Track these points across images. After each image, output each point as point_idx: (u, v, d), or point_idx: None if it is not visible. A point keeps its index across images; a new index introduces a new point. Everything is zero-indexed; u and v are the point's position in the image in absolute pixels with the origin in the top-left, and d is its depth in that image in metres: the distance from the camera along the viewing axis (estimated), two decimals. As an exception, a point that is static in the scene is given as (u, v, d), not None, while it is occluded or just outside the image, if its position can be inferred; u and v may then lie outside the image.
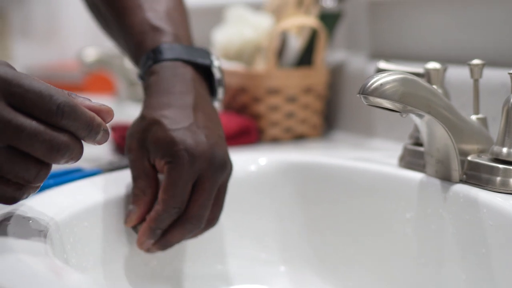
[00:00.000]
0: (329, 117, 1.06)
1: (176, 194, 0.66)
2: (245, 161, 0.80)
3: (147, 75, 0.74)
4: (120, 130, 0.97)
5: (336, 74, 1.04)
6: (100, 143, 0.56)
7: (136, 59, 0.77)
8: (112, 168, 0.81)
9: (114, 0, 0.79)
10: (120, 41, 0.81)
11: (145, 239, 0.68)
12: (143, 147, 0.69)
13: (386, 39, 0.98)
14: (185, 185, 0.66)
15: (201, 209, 0.67)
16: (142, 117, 0.71)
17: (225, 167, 0.67)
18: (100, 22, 0.85)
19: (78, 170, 0.78)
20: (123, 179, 0.75)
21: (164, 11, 0.77)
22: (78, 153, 0.54)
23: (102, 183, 0.74)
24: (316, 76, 1.00)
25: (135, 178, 0.70)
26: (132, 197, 0.70)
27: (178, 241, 0.69)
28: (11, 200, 0.55)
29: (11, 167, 0.52)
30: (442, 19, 0.89)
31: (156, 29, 0.75)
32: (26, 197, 0.56)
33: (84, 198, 0.69)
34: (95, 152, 0.99)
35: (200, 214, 0.67)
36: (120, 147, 0.98)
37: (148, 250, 0.69)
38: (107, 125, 0.57)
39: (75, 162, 0.55)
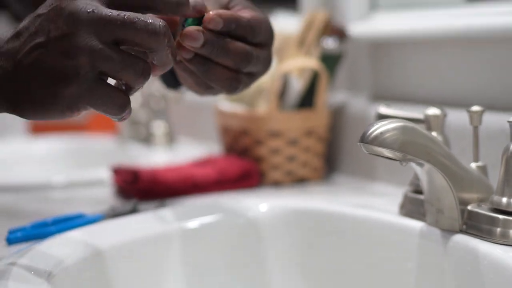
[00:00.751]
0: (330, 159, 1.06)
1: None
2: (246, 207, 0.79)
3: None
4: (123, 173, 0.98)
5: (337, 115, 1.04)
6: (197, 10, 0.62)
7: None
8: (114, 214, 0.81)
9: None
10: None
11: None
12: None
13: (387, 81, 0.99)
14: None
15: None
16: None
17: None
18: None
19: (80, 216, 0.78)
20: (125, 226, 0.75)
21: None
22: (174, 45, 0.59)
23: (104, 230, 0.73)
24: (318, 119, 1.00)
25: None
26: None
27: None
28: (122, 106, 0.57)
29: (121, 63, 0.56)
30: (443, 62, 0.89)
31: None
32: (129, 114, 0.58)
33: (86, 246, 0.68)
34: (97, 196, 1.00)
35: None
36: (122, 191, 0.98)
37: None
38: None
39: (173, 57, 0.59)
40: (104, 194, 1.00)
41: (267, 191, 0.97)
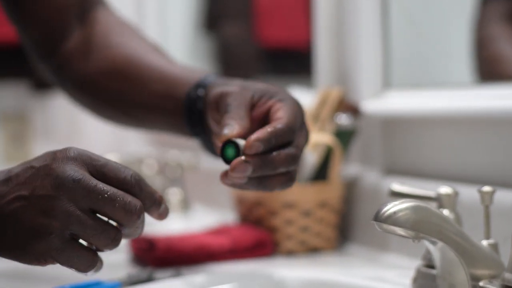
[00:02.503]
0: (343, 230, 1.08)
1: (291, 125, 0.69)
2: (261, 277, 0.81)
3: (209, 95, 0.77)
4: (138, 241, 0.99)
5: (350, 188, 1.07)
6: (162, 216, 0.67)
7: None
8: (131, 282, 0.83)
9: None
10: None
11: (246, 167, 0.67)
12: (245, 88, 0.73)
13: (399, 156, 1.01)
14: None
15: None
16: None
17: None
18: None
19: (97, 284, 0.80)
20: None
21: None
22: (143, 223, 0.64)
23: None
24: (331, 191, 1.02)
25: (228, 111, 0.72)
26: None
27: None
28: (89, 266, 0.61)
29: (93, 229, 0.59)
30: (454, 140, 0.92)
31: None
32: (97, 270, 0.63)
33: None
34: (113, 262, 1.01)
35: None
36: (138, 259, 1.00)
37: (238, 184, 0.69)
38: None
39: (141, 231, 0.64)
40: (120, 261, 1.01)
41: (280, 260, 0.99)
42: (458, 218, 0.73)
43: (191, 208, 1.44)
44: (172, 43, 1.94)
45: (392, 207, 0.62)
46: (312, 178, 1.03)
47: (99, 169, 0.62)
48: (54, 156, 0.61)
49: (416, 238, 0.62)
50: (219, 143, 0.69)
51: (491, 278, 0.66)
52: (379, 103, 1.02)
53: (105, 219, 0.61)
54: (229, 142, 0.68)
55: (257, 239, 0.99)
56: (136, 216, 0.61)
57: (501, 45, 1.05)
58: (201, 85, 0.79)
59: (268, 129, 0.68)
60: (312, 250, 1.02)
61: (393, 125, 1.02)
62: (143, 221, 0.63)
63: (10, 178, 0.61)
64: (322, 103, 1.05)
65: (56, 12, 0.94)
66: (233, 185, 0.70)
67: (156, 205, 0.65)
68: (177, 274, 0.86)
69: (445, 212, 0.73)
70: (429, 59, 1.13)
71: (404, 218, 0.61)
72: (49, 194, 0.59)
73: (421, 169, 0.97)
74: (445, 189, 0.72)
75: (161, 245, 0.95)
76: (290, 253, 1.02)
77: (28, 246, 0.60)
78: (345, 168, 1.08)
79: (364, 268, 0.90)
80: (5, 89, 2.17)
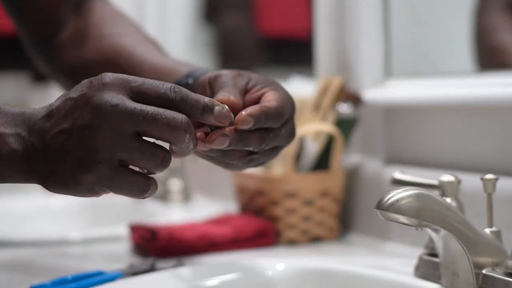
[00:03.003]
0: (345, 219, 1.07)
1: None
2: (263, 266, 0.81)
3: (199, 80, 0.77)
4: (140, 231, 0.99)
5: (351, 177, 1.06)
6: (222, 119, 0.63)
7: None
8: (133, 272, 0.83)
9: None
10: None
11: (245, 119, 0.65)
12: (240, 74, 0.73)
13: (401, 145, 1.01)
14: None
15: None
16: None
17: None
18: None
19: (99, 274, 0.79)
20: (144, 284, 0.76)
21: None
22: (195, 136, 0.61)
23: (124, 288, 0.75)
24: (333, 180, 1.02)
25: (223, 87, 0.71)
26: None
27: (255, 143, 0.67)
28: (142, 191, 0.60)
29: (140, 153, 0.59)
30: (456, 128, 0.91)
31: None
32: (152, 193, 0.61)
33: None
34: (114, 253, 1.01)
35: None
36: (139, 248, 1.00)
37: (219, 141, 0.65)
38: None
39: (193, 147, 0.61)
40: (121, 251, 1.01)
41: (282, 250, 0.99)
42: (460, 206, 0.73)
43: (192, 198, 1.44)
44: (172, 35, 1.93)
45: (395, 195, 0.61)
46: (314, 167, 1.03)
47: (137, 90, 0.60)
48: (90, 84, 0.60)
49: (419, 226, 0.62)
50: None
51: (494, 265, 0.66)
52: (380, 92, 1.02)
53: (153, 141, 0.60)
54: None
55: (259, 228, 0.99)
56: (182, 131, 0.59)
57: (501, 35, 1.05)
58: (191, 75, 0.78)
59: (259, 106, 0.67)
60: (314, 239, 1.02)
61: (394, 114, 1.01)
62: (193, 136, 0.60)
63: (51, 113, 0.61)
64: (323, 92, 1.04)
65: (52, 4, 0.94)
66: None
67: (207, 111, 0.62)
68: (179, 264, 0.86)
69: (448, 200, 0.73)
70: (430, 48, 1.12)
71: (407, 206, 0.61)
72: (90, 123, 0.58)
73: (422, 157, 0.97)
74: (447, 177, 0.72)
75: (163, 234, 0.95)
76: (291, 242, 1.01)
77: (78, 179, 0.59)
78: (347, 157, 1.08)
79: (367, 257, 0.90)
80: (5, 80, 2.17)
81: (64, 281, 0.77)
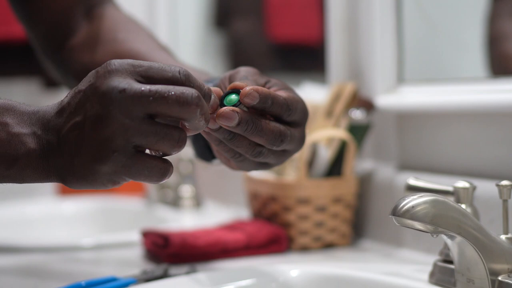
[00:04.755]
0: (357, 225, 1.07)
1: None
2: (278, 272, 0.81)
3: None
4: (152, 237, 0.99)
5: (364, 183, 1.06)
6: (213, 108, 0.63)
7: None
8: (147, 278, 0.83)
9: None
10: None
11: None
12: (260, 74, 0.73)
13: (414, 151, 1.01)
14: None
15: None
16: None
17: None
18: None
19: (112, 280, 0.80)
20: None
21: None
22: (207, 110, 0.61)
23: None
24: (346, 187, 1.02)
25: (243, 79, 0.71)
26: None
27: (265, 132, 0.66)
28: (161, 175, 0.60)
29: (155, 136, 0.58)
30: (469, 134, 0.91)
31: None
32: (169, 176, 0.61)
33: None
34: (126, 259, 1.01)
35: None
36: (152, 255, 1.00)
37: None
38: None
39: (206, 122, 0.61)
40: (133, 257, 1.01)
41: (295, 256, 0.98)
42: (475, 212, 0.73)
43: (204, 204, 1.44)
44: (183, 41, 1.94)
45: (411, 201, 0.61)
46: (326, 174, 1.03)
47: (144, 74, 0.59)
48: (96, 74, 0.60)
49: (435, 232, 0.62)
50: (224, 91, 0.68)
51: (510, 272, 0.65)
52: (393, 98, 1.02)
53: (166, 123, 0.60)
54: (233, 93, 0.67)
55: (272, 235, 0.99)
56: (194, 105, 0.58)
57: None
58: (209, 82, 0.78)
59: (268, 89, 0.67)
60: (326, 245, 1.02)
61: (407, 120, 1.01)
62: (204, 110, 0.60)
63: (63, 108, 0.61)
64: (335, 98, 1.04)
65: (63, 9, 0.94)
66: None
67: (207, 97, 0.62)
68: (193, 271, 0.86)
69: (463, 206, 0.73)
70: (443, 54, 1.12)
71: (423, 212, 0.61)
72: (100, 112, 0.58)
73: (435, 164, 0.97)
74: (462, 183, 0.72)
75: (176, 240, 0.95)
76: (304, 248, 1.01)
77: (96, 171, 0.59)
78: (359, 163, 1.08)
79: (380, 264, 0.90)
80: (17, 86, 2.17)
81: (78, 287, 0.77)
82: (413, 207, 0.61)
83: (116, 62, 0.60)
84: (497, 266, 0.65)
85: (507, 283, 0.64)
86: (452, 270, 0.70)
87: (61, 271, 0.96)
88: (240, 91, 0.66)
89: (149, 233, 1.01)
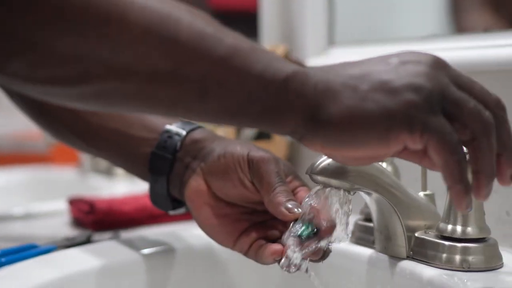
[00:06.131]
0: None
1: None
2: (199, 236, 0.80)
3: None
4: (79, 204, 0.97)
5: (294, 145, 1.05)
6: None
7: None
8: (68, 244, 0.80)
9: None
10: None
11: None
12: (276, 159, 0.68)
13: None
14: None
15: None
16: None
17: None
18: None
19: (32, 247, 0.77)
20: (79, 256, 0.74)
21: None
22: None
23: (57, 260, 0.73)
24: (276, 150, 1.01)
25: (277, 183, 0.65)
26: None
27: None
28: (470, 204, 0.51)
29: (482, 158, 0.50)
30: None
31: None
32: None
33: (34, 278, 0.68)
34: (54, 227, 0.99)
35: None
36: (77, 222, 0.98)
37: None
38: None
39: None
40: (60, 224, 0.99)
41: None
42: (396, 171, 0.72)
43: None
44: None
45: (326, 159, 0.60)
46: (255, 137, 1.02)
47: (466, 85, 0.52)
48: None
49: (351, 189, 0.61)
50: (286, 217, 0.62)
51: (427, 228, 0.65)
52: (323, 59, 1.01)
53: None
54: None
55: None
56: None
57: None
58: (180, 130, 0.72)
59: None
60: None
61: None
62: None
63: None
64: (265, 61, 1.03)
65: None
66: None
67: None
68: (116, 236, 0.84)
69: (384, 165, 0.72)
70: (375, 16, 1.12)
71: (338, 170, 0.60)
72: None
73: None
74: (382, 142, 0.71)
75: (101, 207, 0.94)
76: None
77: None
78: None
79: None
80: None
81: (-6, 255, 0.74)
82: (328, 164, 0.60)
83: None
84: (414, 223, 0.65)
85: (424, 239, 0.63)
86: (371, 229, 0.69)
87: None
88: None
89: (75, 200, 0.99)
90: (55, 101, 0.51)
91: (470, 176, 0.50)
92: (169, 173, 0.71)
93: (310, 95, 0.49)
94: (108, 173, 1.39)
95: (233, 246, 0.66)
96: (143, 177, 0.75)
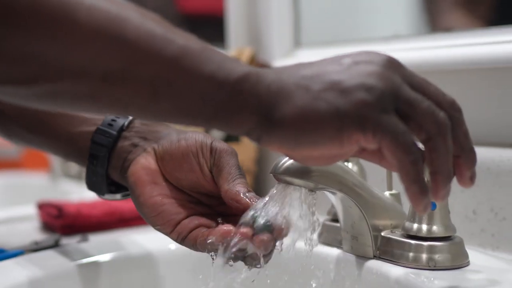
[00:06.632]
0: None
1: None
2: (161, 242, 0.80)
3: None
4: (47, 208, 0.97)
5: (263, 149, 1.06)
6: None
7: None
8: (35, 248, 0.80)
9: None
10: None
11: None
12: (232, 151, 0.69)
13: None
14: None
15: None
16: None
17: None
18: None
19: (-1, 251, 0.77)
20: (46, 259, 0.74)
21: None
22: None
23: (24, 265, 0.72)
24: (244, 153, 1.01)
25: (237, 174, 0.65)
26: None
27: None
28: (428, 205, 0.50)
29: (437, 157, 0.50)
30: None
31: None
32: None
33: (3, 281, 0.67)
34: (23, 231, 0.98)
35: None
36: (47, 226, 0.97)
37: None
38: None
39: None
40: (29, 229, 0.98)
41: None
42: (361, 171, 0.73)
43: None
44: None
45: (290, 159, 0.60)
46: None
47: (416, 83, 0.51)
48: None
49: (316, 189, 0.61)
50: (244, 204, 0.62)
51: (393, 228, 0.66)
52: (289, 61, 1.01)
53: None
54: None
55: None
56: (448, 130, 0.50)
57: None
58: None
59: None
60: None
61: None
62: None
63: None
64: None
65: None
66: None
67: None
68: (84, 240, 0.84)
69: (349, 165, 0.73)
70: (341, 17, 1.12)
71: (302, 170, 0.60)
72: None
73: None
74: (348, 142, 0.72)
75: (70, 211, 0.93)
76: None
77: None
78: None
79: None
80: None
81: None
82: (292, 164, 0.60)
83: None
84: (381, 222, 0.65)
85: (389, 238, 0.64)
86: (338, 229, 0.70)
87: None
88: None
89: (44, 205, 0.99)
90: (10, 101, 0.50)
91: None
92: (111, 151, 0.70)
93: (263, 95, 0.49)
94: (79, 177, 1.38)
95: (170, 231, 0.64)
96: (82, 159, 0.73)
